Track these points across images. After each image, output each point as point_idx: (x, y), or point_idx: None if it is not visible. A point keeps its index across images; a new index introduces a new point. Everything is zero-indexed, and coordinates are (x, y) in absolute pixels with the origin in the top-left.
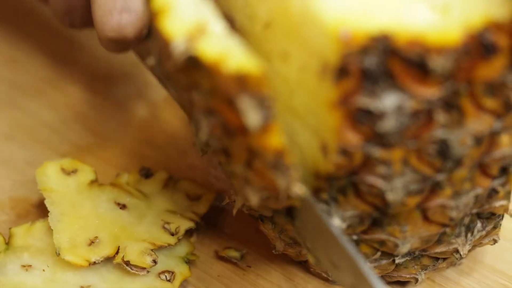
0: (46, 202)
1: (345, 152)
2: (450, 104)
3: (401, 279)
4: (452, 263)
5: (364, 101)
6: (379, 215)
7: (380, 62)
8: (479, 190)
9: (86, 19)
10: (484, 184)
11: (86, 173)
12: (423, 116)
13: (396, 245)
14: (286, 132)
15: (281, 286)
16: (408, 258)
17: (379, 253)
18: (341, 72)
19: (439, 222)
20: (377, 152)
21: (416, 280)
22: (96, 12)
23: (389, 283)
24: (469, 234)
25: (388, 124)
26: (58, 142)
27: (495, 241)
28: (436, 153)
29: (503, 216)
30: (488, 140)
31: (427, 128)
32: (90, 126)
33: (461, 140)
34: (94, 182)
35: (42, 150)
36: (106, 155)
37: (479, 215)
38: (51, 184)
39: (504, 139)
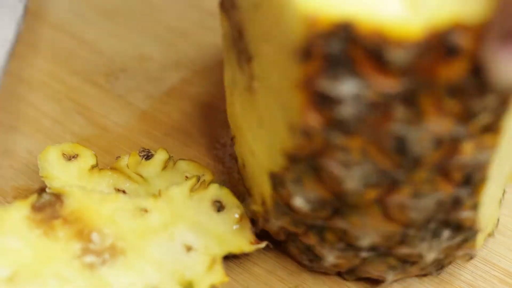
0: (47, 190)
1: (306, 133)
2: (410, 101)
3: (370, 276)
4: (424, 269)
5: (325, 84)
6: (340, 204)
7: (342, 48)
8: (441, 195)
9: None
10: (446, 189)
11: (86, 158)
12: (382, 108)
13: (357, 237)
14: (267, 109)
15: (276, 273)
16: (374, 254)
17: (343, 243)
18: (306, 54)
19: (399, 221)
20: (337, 137)
21: (385, 280)
22: None
23: (360, 278)
24: (435, 241)
25: (346, 111)
26: (60, 133)
27: (470, 257)
28: (394, 148)
29: (476, 232)
30: (449, 144)
31: (385, 121)
32: (91, 117)
33: (419, 138)
34: (94, 168)
35: (44, 140)
36: (106, 145)
37: (446, 224)
38: (53, 171)
39: (467, 147)
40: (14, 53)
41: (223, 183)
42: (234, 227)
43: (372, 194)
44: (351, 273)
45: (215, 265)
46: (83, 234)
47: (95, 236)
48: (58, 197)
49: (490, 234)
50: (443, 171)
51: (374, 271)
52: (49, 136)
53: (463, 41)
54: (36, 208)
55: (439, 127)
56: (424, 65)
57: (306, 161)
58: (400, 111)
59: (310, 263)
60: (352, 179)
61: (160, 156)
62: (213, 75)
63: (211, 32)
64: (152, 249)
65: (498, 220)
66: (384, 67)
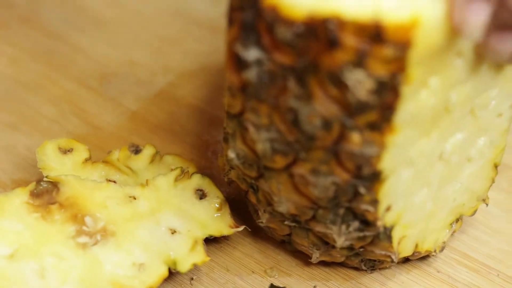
0: (45, 179)
1: (230, 90)
2: (301, 79)
3: (302, 250)
4: (349, 260)
5: (239, 49)
6: (261, 167)
7: (253, 19)
8: (337, 179)
9: None
10: (341, 176)
11: (80, 152)
12: (280, 79)
13: (277, 202)
14: None
15: (253, 256)
16: (297, 226)
17: (270, 207)
18: (229, 21)
19: (305, 194)
20: (250, 100)
21: (311, 255)
22: None
23: (297, 251)
24: (344, 227)
25: (251, 75)
26: (56, 132)
27: (392, 260)
28: (290, 120)
29: (390, 233)
30: (338, 130)
31: (283, 92)
32: (85, 118)
33: (309, 116)
34: (88, 160)
35: (42, 138)
36: (99, 142)
37: (354, 214)
38: (50, 162)
39: (355, 137)
40: (13, 59)
41: (205, 175)
42: (215, 214)
43: (280, 161)
44: (288, 243)
45: (197, 246)
46: (77, 218)
47: (88, 220)
48: (54, 184)
49: (430, 251)
50: (337, 157)
51: (302, 244)
52: (47, 134)
53: (342, 34)
54: (35, 195)
55: (326, 110)
56: (311, 49)
57: (237, 119)
58: (293, 86)
59: (257, 220)
60: (261, 141)
61: (148, 151)
62: (197, 79)
63: (196, 40)
64: (140, 232)
65: (445, 242)
66: (277, 42)
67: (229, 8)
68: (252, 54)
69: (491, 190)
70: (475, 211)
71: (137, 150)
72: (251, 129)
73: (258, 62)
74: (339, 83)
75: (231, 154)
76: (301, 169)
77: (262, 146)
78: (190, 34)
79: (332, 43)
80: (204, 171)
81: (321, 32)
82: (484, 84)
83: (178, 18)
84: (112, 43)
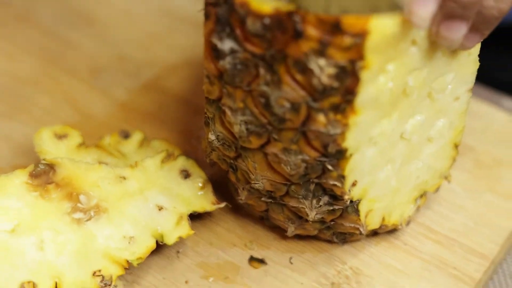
0: (42, 161)
1: (209, 78)
2: (271, 66)
3: (279, 224)
4: (322, 233)
5: (215, 41)
6: (238, 147)
7: (226, 13)
8: (306, 157)
9: None
10: (310, 154)
11: (74, 137)
12: (252, 67)
13: (254, 180)
14: None
15: (234, 231)
16: (273, 202)
17: (248, 185)
18: (206, 15)
19: (280, 173)
20: (227, 86)
21: (287, 229)
22: None
23: (274, 226)
24: (315, 201)
25: (226, 63)
26: (51, 121)
27: (360, 232)
28: (263, 105)
29: (357, 206)
30: (306, 112)
31: (255, 79)
32: (78, 108)
33: (279, 100)
34: (81, 145)
35: (38, 127)
36: (90, 130)
37: (324, 189)
38: (46, 147)
39: (320, 117)
40: (10, 55)
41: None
42: (199, 192)
43: (255, 142)
44: (266, 219)
45: (182, 221)
46: (72, 196)
47: (82, 197)
48: (51, 166)
49: (397, 225)
50: (305, 136)
51: (278, 219)
52: (42, 123)
53: (305, 26)
54: (33, 175)
55: (294, 94)
56: (278, 39)
57: (215, 104)
58: (264, 73)
59: (237, 197)
60: (238, 124)
61: (136, 136)
62: (182, 72)
63: (181, 35)
64: (129, 209)
65: (410, 216)
66: (248, 34)
67: (205, 3)
68: (226, 45)
69: (455, 170)
70: (438, 188)
71: (126, 136)
72: (228, 112)
73: (232, 52)
74: (305, 70)
75: (212, 136)
76: (274, 149)
77: (238, 128)
78: (175, 30)
79: (298, 34)
80: (188, 155)
81: (287, 24)
82: (440, 69)
83: (163, 15)
84: (102, 39)
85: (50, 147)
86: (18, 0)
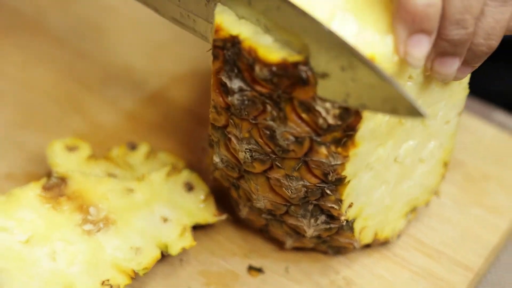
0: (54, 175)
1: (216, 108)
2: (278, 105)
3: (274, 235)
4: (318, 246)
5: (224, 78)
6: (241, 170)
7: (234, 56)
8: (307, 183)
9: None
10: (310, 180)
11: (84, 149)
12: (259, 104)
13: (255, 199)
14: None
15: (235, 241)
16: (272, 218)
17: (250, 203)
18: (214, 55)
19: (281, 195)
20: (234, 117)
21: (285, 242)
22: None
23: (273, 238)
24: (312, 220)
25: (234, 99)
26: (62, 130)
27: (354, 247)
28: (268, 137)
29: (353, 224)
30: (309, 144)
31: (262, 114)
32: (87, 117)
33: (283, 134)
34: (91, 157)
35: (49, 136)
36: (99, 140)
37: (321, 210)
38: (58, 159)
39: (322, 150)
40: (21, 63)
41: (194, 170)
42: (201, 204)
43: (259, 167)
44: (265, 231)
45: (185, 232)
46: (83, 208)
47: (92, 210)
48: (63, 179)
49: (388, 238)
50: (307, 165)
51: (277, 232)
52: (53, 133)
53: (307, 75)
54: (46, 188)
55: (298, 129)
56: (285, 84)
57: (221, 130)
58: (270, 110)
59: (238, 213)
60: (242, 151)
61: (143, 148)
62: (189, 83)
63: (188, 45)
64: (136, 220)
65: (401, 230)
66: (256, 78)
67: (213, 46)
68: (235, 84)
69: (446, 184)
70: (427, 203)
71: (133, 147)
72: (234, 140)
73: (241, 90)
74: (310, 110)
75: (216, 159)
76: (276, 174)
77: (243, 155)
78: (182, 40)
79: (304, 82)
80: (193, 165)
81: (293, 73)
82: (433, 98)
83: (171, 25)
84: (111, 49)
85: (61, 159)
86: (30, 10)
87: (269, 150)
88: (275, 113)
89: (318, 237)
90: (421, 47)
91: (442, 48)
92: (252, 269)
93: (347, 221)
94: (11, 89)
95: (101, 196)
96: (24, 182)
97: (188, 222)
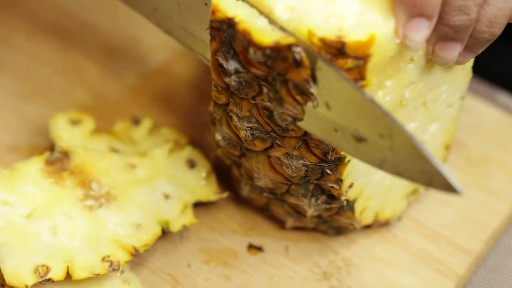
0: (57, 149)
1: (216, 87)
2: (273, 87)
3: (275, 214)
4: (319, 225)
5: (221, 59)
6: (243, 148)
7: (230, 37)
8: (307, 162)
9: None
10: (310, 159)
11: (88, 124)
12: (256, 85)
13: (256, 178)
14: None
15: (235, 218)
16: (273, 197)
17: (251, 181)
18: (212, 36)
19: (282, 174)
20: (234, 97)
21: (286, 221)
22: None
23: (273, 216)
24: (313, 200)
25: (231, 80)
26: (66, 102)
27: (354, 227)
28: (267, 116)
29: (353, 204)
30: None
31: (259, 95)
32: (92, 89)
33: (281, 115)
34: (94, 131)
35: (53, 107)
36: (103, 112)
37: (322, 189)
38: (61, 133)
39: None
40: (27, 32)
41: (196, 145)
42: (203, 182)
43: (260, 145)
44: (266, 210)
45: (186, 210)
46: (85, 183)
47: (94, 185)
48: (66, 154)
49: (388, 219)
50: (306, 144)
51: (278, 211)
52: (57, 105)
53: (303, 57)
54: (49, 163)
55: (294, 110)
56: (279, 66)
57: (223, 107)
58: (267, 92)
59: (239, 191)
60: (244, 129)
61: (146, 123)
62: (194, 58)
63: None
64: (138, 196)
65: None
66: (251, 60)
67: (210, 26)
68: (231, 65)
69: (447, 166)
70: None
71: (136, 122)
72: (235, 118)
73: (237, 72)
74: (304, 93)
75: (218, 136)
76: (277, 153)
77: (244, 133)
78: None
79: (297, 64)
80: (196, 141)
81: (287, 55)
82: (435, 81)
83: None
84: (116, 21)
85: (65, 133)
86: None
87: (269, 128)
88: (271, 95)
89: (319, 216)
90: (420, 31)
91: (444, 33)
92: (252, 247)
93: (347, 201)
94: (15, 58)
95: (104, 171)
96: (28, 154)
97: (189, 199)
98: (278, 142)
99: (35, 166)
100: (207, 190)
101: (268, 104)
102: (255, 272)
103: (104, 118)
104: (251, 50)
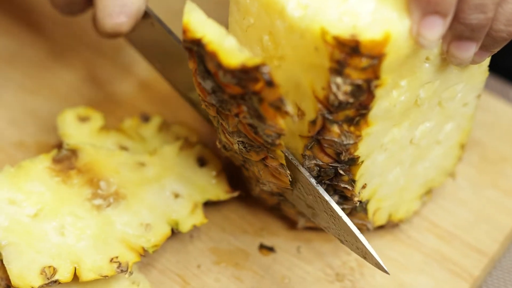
0: (65, 147)
1: (204, 102)
2: (252, 105)
3: (287, 214)
4: (326, 227)
5: (199, 79)
6: (243, 157)
7: (202, 58)
8: (320, 162)
9: (83, 9)
10: (323, 160)
11: (96, 120)
12: (235, 103)
13: (262, 183)
14: None
15: (246, 218)
16: (284, 198)
17: (259, 184)
18: (188, 55)
19: (283, 181)
20: (220, 113)
21: (297, 221)
22: (98, 14)
23: (283, 216)
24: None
25: (211, 99)
26: (75, 97)
27: (367, 228)
28: (254, 133)
29: (366, 206)
30: (321, 122)
31: (240, 111)
32: (100, 85)
33: (265, 131)
34: (103, 128)
35: (62, 103)
36: (112, 109)
37: (335, 189)
38: (69, 130)
39: (335, 128)
40: (37, 24)
41: (207, 143)
42: (214, 181)
43: (255, 156)
44: (277, 210)
45: (196, 209)
46: (93, 182)
47: (102, 184)
48: (73, 152)
49: (402, 220)
50: (319, 143)
51: (289, 212)
52: (66, 100)
53: (270, 76)
54: (56, 161)
55: (277, 127)
56: (252, 86)
57: (216, 119)
58: (247, 110)
59: (250, 190)
60: (235, 143)
61: (156, 120)
62: None
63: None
64: (147, 195)
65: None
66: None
67: (183, 46)
68: (208, 85)
69: (461, 164)
70: (442, 184)
71: (146, 119)
72: (225, 132)
73: (214, 91)
74: (281, 109)
75: (219, 145)
76: (273, 163)
77: (237, 146)
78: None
79: (270, 84)
80: (206, 138)
81: (256, 75)
82: (451, 80)
83: None
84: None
85: (72, 130)
86: None
87: (258, 143)
88: (252, 112)
89: None
90: (434, 29)
91: (459, 32)
92: (263, 247)
93: (360, 202)
94: (22, 51)
95: (112, 170)
96: (35, 151)
97: (199, 198)
98: (271, 155)
99: (42, 164)
100: (218, 189)
101: (250, 121)
102: (266, 273)
103: (113, 114)
104: (220, 73)
